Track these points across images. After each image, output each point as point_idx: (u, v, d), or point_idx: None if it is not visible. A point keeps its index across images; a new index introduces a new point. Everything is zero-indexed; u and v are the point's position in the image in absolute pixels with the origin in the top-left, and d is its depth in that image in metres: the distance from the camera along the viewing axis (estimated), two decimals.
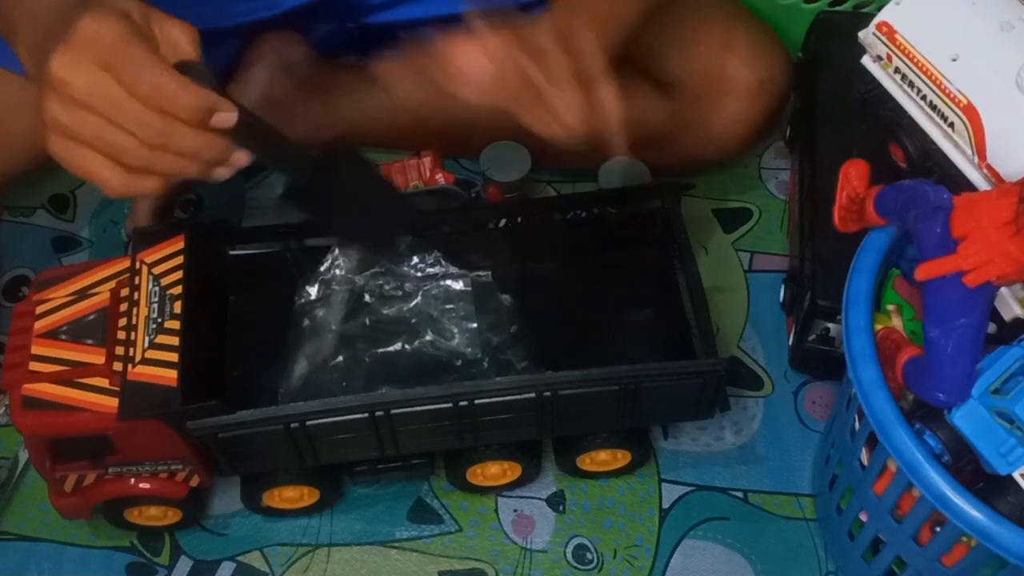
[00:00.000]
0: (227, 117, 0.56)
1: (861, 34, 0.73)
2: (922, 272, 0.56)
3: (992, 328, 0.61)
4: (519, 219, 0.80)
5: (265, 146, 0.61)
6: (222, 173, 0.58)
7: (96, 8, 0.53)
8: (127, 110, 0.53)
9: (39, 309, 0.69)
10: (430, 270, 0.77)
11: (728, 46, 0.85)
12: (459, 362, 0.75)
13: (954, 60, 0.67)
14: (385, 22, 0.92)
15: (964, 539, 0.60)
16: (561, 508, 0.79)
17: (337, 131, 0.95)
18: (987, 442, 0.55)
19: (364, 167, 0.73)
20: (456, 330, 0.75)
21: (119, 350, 0.67)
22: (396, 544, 0.77)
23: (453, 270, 0.77)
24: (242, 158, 0.58)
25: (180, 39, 0.57)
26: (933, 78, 0.67)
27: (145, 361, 0.66)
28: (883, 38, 0.70)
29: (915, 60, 0.68)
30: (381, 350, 0.75)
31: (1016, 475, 0.56)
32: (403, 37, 0.94)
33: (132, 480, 0.71)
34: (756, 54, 0.86)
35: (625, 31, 0.70)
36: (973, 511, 0.55)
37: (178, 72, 0.54)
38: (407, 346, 0.75)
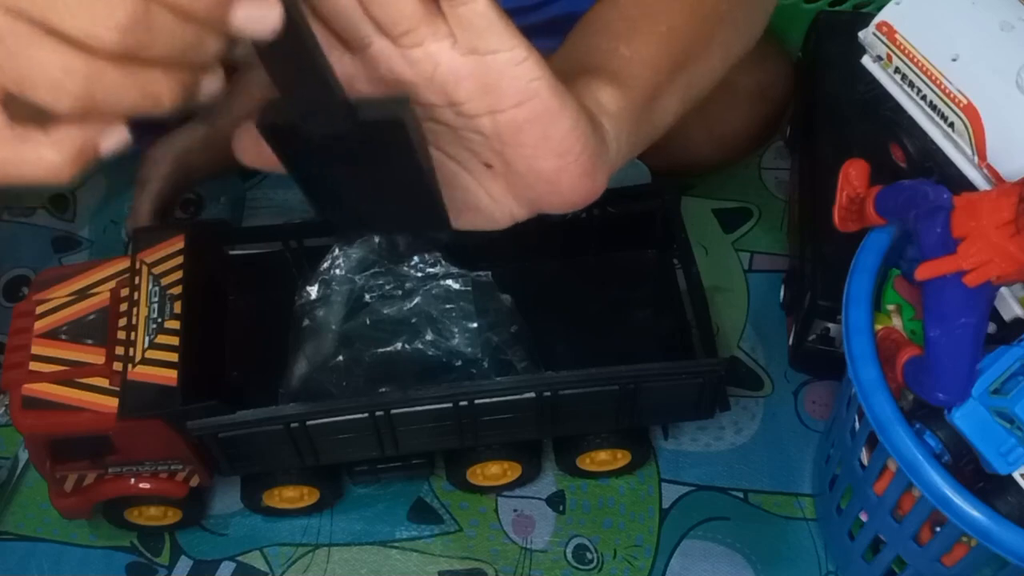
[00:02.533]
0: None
1: (861, 34, 0.73)
2: (922, 272, 0.56)
3: (992, 328, 0.61)
4: None
5: (296, 72, 0.40)
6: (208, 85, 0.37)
7: None
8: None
9: (39, 309, 0.69)
10: (430, 270, 0.77)
11: None
12: (459, 362, 0.75)
13: (954, 60, 0.67)
14: None
15: (964, 539, 0.60)
16: (561, 508, 0.79)
17: None
18: (987, 442, 0.55)
19: (407, 152, 0.44)
20: (456, 330, 0.75)
21: (119, 350, 0.67)
22: (396, 544, 0.77)
23: (453, 270, 0.77)
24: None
25: None
26: (933, 78, 0.67)
27: (145, 361, 0.66)
28: (883, 38, 0.70)
29: (915, 60, 0.68)
30: (381, 350, 0.75)
31: (1016, 475, 0.56)
32: None
33: (132, 480, 0.71)
34: (757, 60, 0.86)
35: None
36: (973, 511, 0.55)
37: None
38: (407, 346, 0.75)
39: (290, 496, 0.76)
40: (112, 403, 0.65)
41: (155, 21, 0.33)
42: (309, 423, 0.67)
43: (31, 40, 0.32)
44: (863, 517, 0.67)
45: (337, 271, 0.76)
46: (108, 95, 0.34)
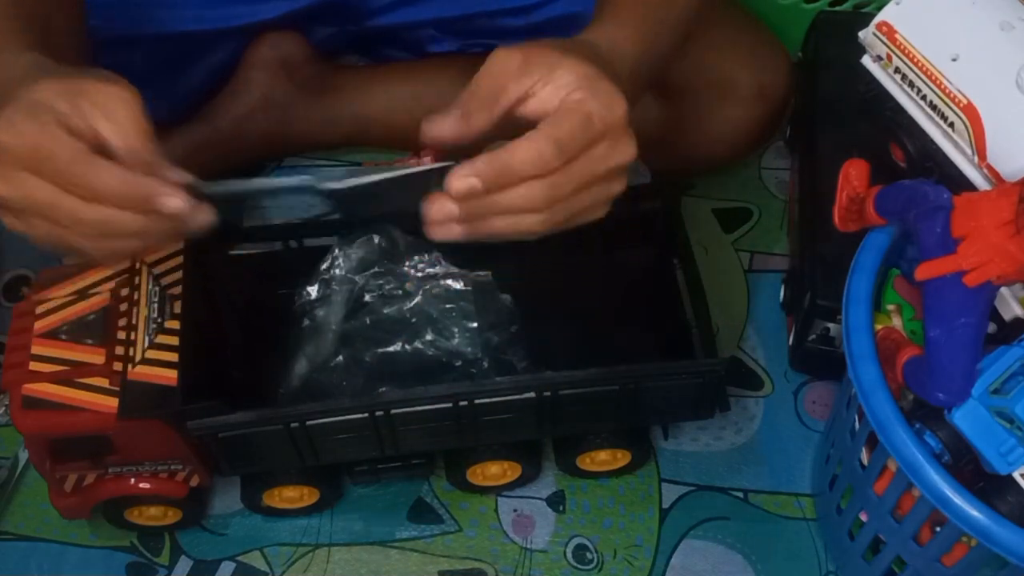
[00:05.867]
0: (171, 202, 0.52)
1: (861, 34, 0.73)
2: (922, 272, 0.56)
3: (992, 328, 0.61)
4: None
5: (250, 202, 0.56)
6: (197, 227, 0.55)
7: (12, 108, 0.52)
8: (60, 209, 0.52)
9: (39, 309, 0.69)
10: (430, 270, 0.77)
11: (729, 51, 0.85)
12: (459, 362, 0.75)
13: (954, 60, 0.67)
14: (386, 25, 0.92)
15: (964, 539, 0.60)
16: (561, 508, 0.79)
17: (337, 132, 0.96)
18: (987, 442, 0.55)
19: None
20: (456, 330, 0.75)
21: (119, 350, 0.67)
22: (396, 544, 0.77)
23: (453, 270, 0.77)
24: (204, 216, 0.55)
25: (115, 110, 0.53)
26: (933, 78, 0.67)
27: (145, 361, 0.66)
28: (883, 38, 0.70)
29: (915, 60, 0.68)
30: (381, 350, 0.75)
31: (1016, 475, 0.56)
32: (404, 39, 0.95)
33: (132, 480, 0.71)
34: (757, 59, 0.86)
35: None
36: (973, 511, 0.55)
37: (104, 161, 0.51)
38: (407, 346, 0.75)
39: (290, 496, 0.75)
40: (112, 403, 0.65)
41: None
42: (309, 423, 0.67)
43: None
44: (863, 517, 0.67)
45: (337, 271, 0.76)
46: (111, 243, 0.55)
